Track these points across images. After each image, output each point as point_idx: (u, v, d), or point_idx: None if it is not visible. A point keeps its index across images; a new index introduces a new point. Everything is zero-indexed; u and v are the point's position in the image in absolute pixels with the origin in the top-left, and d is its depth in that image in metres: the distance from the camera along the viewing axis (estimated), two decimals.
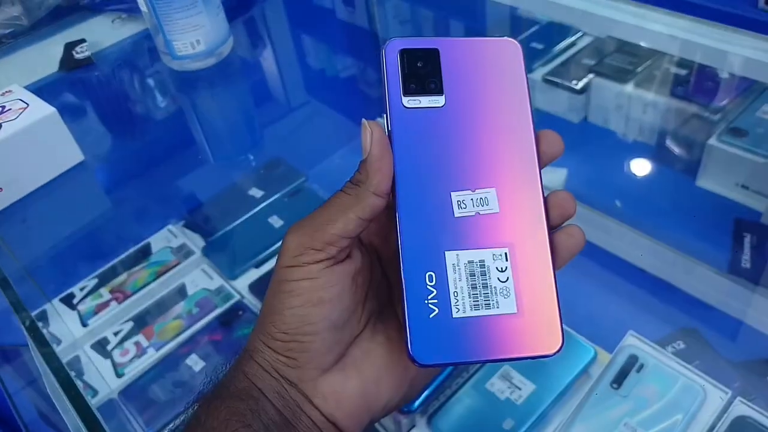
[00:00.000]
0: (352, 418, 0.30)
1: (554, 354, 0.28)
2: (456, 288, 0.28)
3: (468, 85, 0.31)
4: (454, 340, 0.28)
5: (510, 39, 0.32)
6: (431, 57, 0.31)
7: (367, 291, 0.31)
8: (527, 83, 0.31)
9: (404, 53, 0.31)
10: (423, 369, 0.29)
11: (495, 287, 0.28)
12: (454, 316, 0.28)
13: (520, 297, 0.28)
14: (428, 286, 0.28)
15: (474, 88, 0.31)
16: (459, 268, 0.28)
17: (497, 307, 0.28)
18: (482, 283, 0.28)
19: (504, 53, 0.32)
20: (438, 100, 0.31)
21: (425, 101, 0.30)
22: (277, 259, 0.30)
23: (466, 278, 0.28)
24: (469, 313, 0.28)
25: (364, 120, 0.30)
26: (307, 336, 0.28)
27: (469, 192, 0.29)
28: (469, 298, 0.28)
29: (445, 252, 0.28)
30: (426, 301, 0.28)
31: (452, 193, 0.29)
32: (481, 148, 0.30)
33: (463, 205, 0.29)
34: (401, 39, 0.31)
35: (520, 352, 0.28)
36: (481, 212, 0.29)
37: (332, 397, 0.29)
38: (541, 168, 0.30)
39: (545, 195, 0.30)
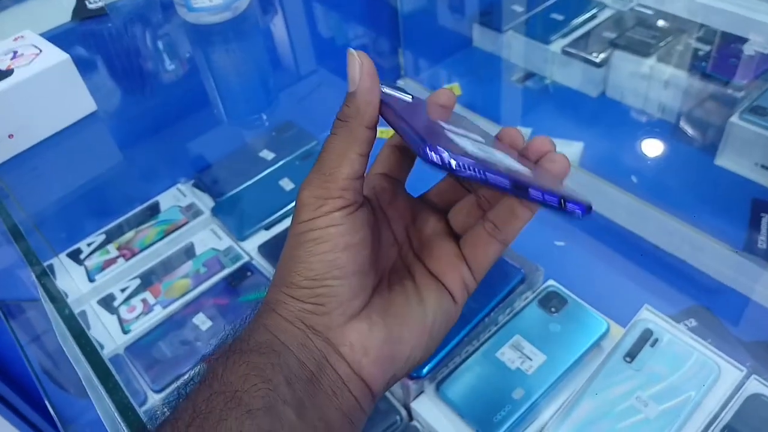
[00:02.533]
0: (377, 367, 0.29)
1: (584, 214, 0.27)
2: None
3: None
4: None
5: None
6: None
7: (379, 240, 0.31)
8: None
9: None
10: (445, 308, 0.30)
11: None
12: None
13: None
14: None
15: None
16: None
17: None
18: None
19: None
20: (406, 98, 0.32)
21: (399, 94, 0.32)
22: (294, 218, 0.29)
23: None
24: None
25: (350, 49, 0.29)
26: (336, 280, 0.28)
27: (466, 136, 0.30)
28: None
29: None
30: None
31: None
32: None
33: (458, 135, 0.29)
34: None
35: (553, 194, 0.26)
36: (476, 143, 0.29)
37: (359, 344, 0.29)
38: None
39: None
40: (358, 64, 0.29)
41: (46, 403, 0.53)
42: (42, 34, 0.80)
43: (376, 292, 0.31)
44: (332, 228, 0.28)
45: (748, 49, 0.71)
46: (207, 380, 0.27)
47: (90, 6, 0.91)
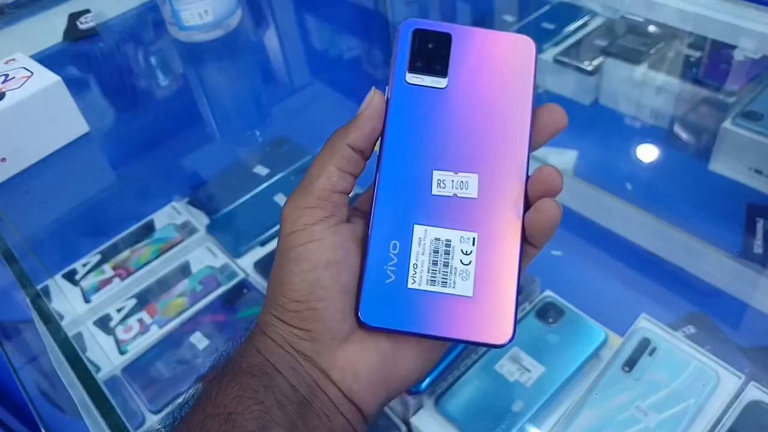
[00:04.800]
0: (369, 392, 0.29)
1: (501, 345, 0.28)
2: (417, 261, 0.29)
3: (473, 73, 0.31)
4: (404, 308, 0.28)
5: (526, 37, 0.32)
6: (442, 40, 0.32)
7: None
8: (534, 81, 0.31)
9: (417, 32, 0.32)
10: (425, 340, 0.30)
11: (456, 268, 0.29)
12: (408, 286, 0.28)
13: (479, 282, 0.28)
14: (391, 254, 0.29)
15: (479, 76, 0.31)
16: (424, 243, 0.29)
17: (453, 287, 0.28)
18: (444, 262, 0.29)
19: (517, 48, 0.32)
20: (440, 82, 0.31)
21: (428, 80, 0.31)
22: (279, 233, 0.29)
23: (429, 254, 0.29)
24: (425, 287, 0.28)
25: (373, 87, 0.31)
26: (320, 302, 0.28)
27: (451, 173, 0.30)
28: (428, 273, 0.28)
29: (415, 225, 0.29)
30: (385, 267, 0.29)
31: (434, 171, 0.30)
32: (472, 133, 0.30)
33: (442, 185, 0.30)
34: (419, 20, 0.32)
35: (467, 336, 0.28)
36: (459, 194, 0.29)
37: (350, 370, 0.28)
38: (530, 152, 0.30)
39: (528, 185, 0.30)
40: (370, 98, 0.30)
41: (40, 425, 0.52)
42: (34, 56, 0.80)
43: None
44: (311, 244, 0.28)
45: (738, 55, 0.72)
46: (201, 403, 0.27)
47: (81, 26, 0.92)
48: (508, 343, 0.28)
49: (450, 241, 0.29)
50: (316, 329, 0.28)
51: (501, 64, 0.31)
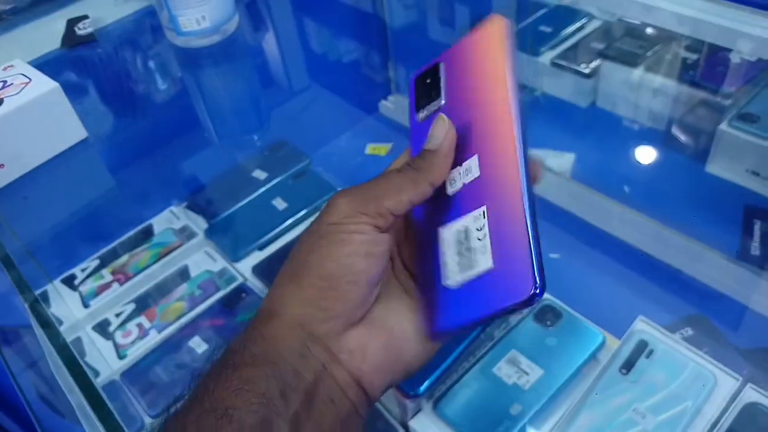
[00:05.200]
0: (376, 374, 0.29)
1: (529, 301, 0.27)
2: (446, 259, 0.30)
3: (462, 79, 0.34)
4: (447, 307, 0.29)
5: (495, 15, 0.34)
6: (434, 72, 0.35)
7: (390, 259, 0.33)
8: (509, 54, 0.32)
9: (416, 80, 0.36)
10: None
11: (474, 248, 0.29)
12: (443, 284, 0.30)
13: (495, 250, 0.29)
14: (430, 264, 0.30)
15: (466, 78, 0.34)
16: (449, 241, 0.30)
17: (477, 267, 0.29)
18: (466, 247, 0.29)
19: (490, 33, 0.34)
20: (439, 102, 0.34)
21: (431, 108, 0.34)
22: (319, 217, 0.30)
23: (454, 246, 0.30)
24: (457, 278, 0.29)
25: (442, 114, 0.32)
26: (349, 284, 0.29)
27: (458, 167, 0.31)
28: (456, 265, 0.29)
29: (439, 229, 0.31)
30: (431, 277, 0.30)
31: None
32: (468, 124, 0.32)
33: (453, 182, 0.31)
34: (418, 70, 0.36)
35: (497, 306, 0.28)
36: (465, 182, 0.31)
37: (358, 351, 0.29)
38: (523, 129, 0.31)
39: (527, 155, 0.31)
40: (445, 129, 0.31)
41: (38, 430, 0.53)
42: (32, 62, 0.80)
43: (380, 299, 0.31)
44: (357, 235, 0.29)
45: (735, 57, 0.72)
46: (198, 397, 0.27)
47: (79, 32, 0.92)
48: (535, 296, 0.27)
49: (467, 226, 0.30)
50: (333, 309, 0.29)
51: (480, 54, 0.33)
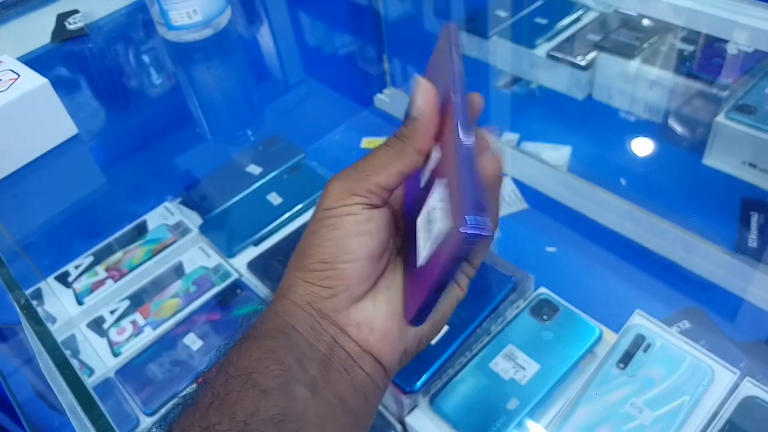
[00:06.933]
0: (385, 342, 0.30)
1: (465, 238, 0.26)
2: (419, 242, 0.30)
3: (435, 84, 0.33)
4: (417, 287, 0.30)
5: (445, 23, 0.34)
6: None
7: (394, 231, 0.33)
8: (454, 54, 0.32)
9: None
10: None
11: (435, 218, 0.29)
12: (419, 266, 0.29)
13: (452, 211, 0.28)
14: (412, 253, 0.30)
15: (437, 83, 0.32)
16: (420, 226, 0.30)
17: (438, 232, 0.28)
18: (432, 224, 0.29)
19: (442, 41, 0.33)
20: None
21: None
22: (317, 205, 0.31)
23: (424, 228, 0.30)
24: (423, 254, 0.29)
25: (418, 76, 0.31)
26: (346, 264, 0.30)
27: (428, 162, 0.31)
28: (424, 242, 0.30)
29: (417, 220, 0.31)
30: (412, 266, 0.30)
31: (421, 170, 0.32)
32: (438, 126, 0.32)
33: (424, 176, 0.31)
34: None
35: (443, 255, 0.27)
36: (431, 170, 0.31)
37: (365, 323, 0.30)
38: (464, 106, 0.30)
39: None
40: (422, 93, 0.31)
41: (26, 427, 0.52)
42: (21, 57, 0.79)
43: (383, 273, 0.32)
44: (348, 216, 0.30)
45: (731, 48, 0.72)
46: (223, 367, 0.29)
47: (69, 27, 0.91)
48: (468, 232, 0.26)
49: (432, 205, 0.30)
50: (336, 286, 0.30)
51: (438, 62, 0.33)
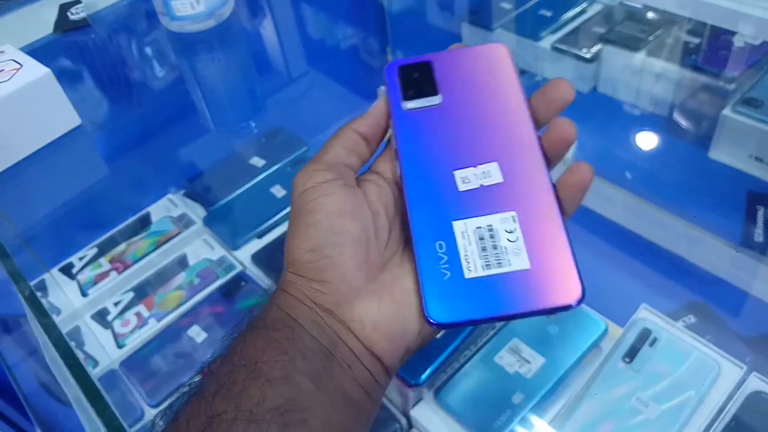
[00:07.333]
0: (388, 342, 0.30)
1: (575, 305, 0.28)
2: (466, 252, 0.29)
3: (462, 83, 0.35)
4: (470, 298, 0.29)
5: (499, 44, 0.36)
6: (425, 68, 0.35)
7: (391, 220, 0.33)
8: (517, 75, 0.35)
9: (402, 68, 0.36)
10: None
11: (505, 247, 0.29)
12: (466, 277, 0.29)
13: (532, 253, 0.29)
14: (439, 254, 0.30)
15: (468, 84, 0.34)
16: (468, 235, 0.30)
17: (509, 265, 0.29)
18: (492, 245, 0.29)
19: (493, 55, 0.35)
20: (435, 99, 0.34)
21: (423, 102, 0.34)
22: (291, 200, 0.32)
23: (476, 242, 0.30)
24: (482, 273, 0.29)
25: (382, 88, 0.34)
26: (335, 248, 0.29)
27: (472, 168, 0.32)
28: (480, 259, 0.29)
29: (453, 222, 0.30)
30: (438, 267, 0.29)
31: (455, 172, 0.32)
32: (478, 131, 0.33)
33: (466, 180, 0.31)
34: (401, 60, 0.36)
35: (538, 306, 0.28)
36: (485, 184, 0.31)
37: (369, 320, 0.30)
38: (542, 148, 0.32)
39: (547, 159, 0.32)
40: (380, 103, 0.35)
41: (31, 418, 0.52)
42: (24, 48, 0.79)
43: (388, 266, 0.31)
44: (323, 197, 0.30)
45: (738, 41, 0.71)
46: (228, 357, 0.29)
47: (72, 17, 0.90)
48: (580, 301, 0.28)
49: (491, 225, 0.30)
50: (332, 280, 0.29)
51: (484, 69, 0.35)
